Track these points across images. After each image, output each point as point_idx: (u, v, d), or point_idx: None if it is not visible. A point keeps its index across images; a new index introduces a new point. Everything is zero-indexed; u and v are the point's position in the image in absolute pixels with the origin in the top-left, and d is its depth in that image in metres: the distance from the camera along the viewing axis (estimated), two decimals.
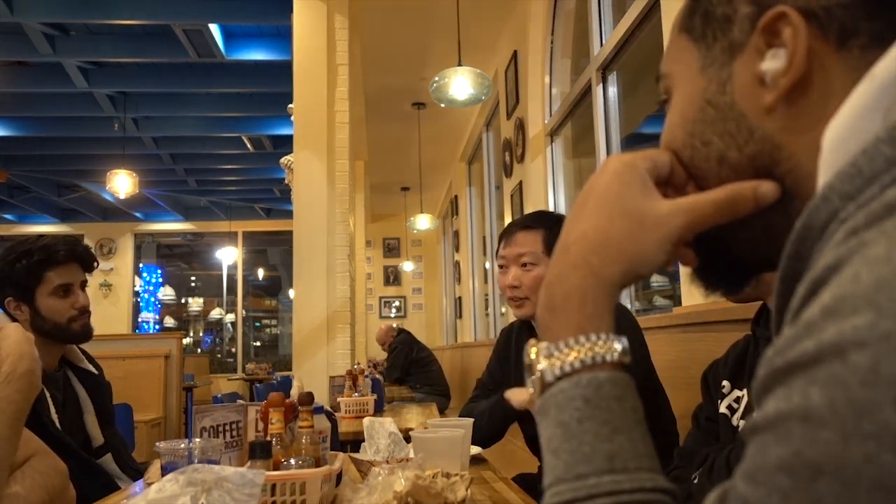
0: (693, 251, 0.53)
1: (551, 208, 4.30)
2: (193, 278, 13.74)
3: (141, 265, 11.71)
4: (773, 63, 0.46)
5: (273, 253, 12.97)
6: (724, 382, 1.20)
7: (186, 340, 12.30)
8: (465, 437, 1.33)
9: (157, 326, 11.90)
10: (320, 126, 3.92)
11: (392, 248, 11.25)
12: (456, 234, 8.94)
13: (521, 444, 2.11)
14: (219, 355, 12.06)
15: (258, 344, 13.05)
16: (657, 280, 4.54)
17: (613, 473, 0.42)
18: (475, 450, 1.67)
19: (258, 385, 6.20)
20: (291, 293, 5.55)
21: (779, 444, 0.30)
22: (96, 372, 1.91)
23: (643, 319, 2.26)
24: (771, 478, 0.30)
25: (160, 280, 12.20)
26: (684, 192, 0.52)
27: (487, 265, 7.32)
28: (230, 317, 11.91)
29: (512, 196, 5.07)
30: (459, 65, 3.90)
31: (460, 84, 3.86)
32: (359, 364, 3.78)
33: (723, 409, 1.18)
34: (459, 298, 8.60)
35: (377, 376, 3.92)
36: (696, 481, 1.11)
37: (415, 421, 2.68)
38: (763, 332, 1.13)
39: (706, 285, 0.55)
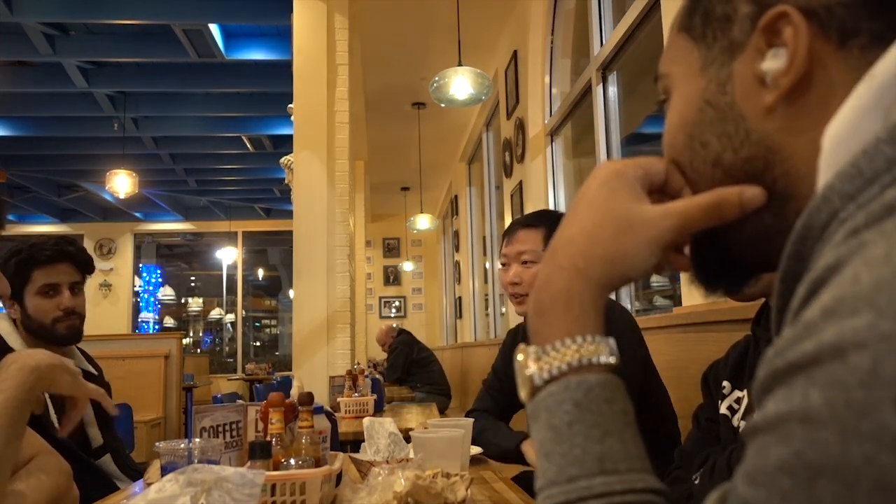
0: (686, 257, 0.53)
1: (552, 208, 4.30)
2: (193, 278, 13.74)
3: (141, 265, 11.71)
4: (773, 63, 0.46)
5: (273, 253, 12.97)
6: (725, 383, 1.20)
7: (186, 340, 12.30)
8: (465, 437, 1.33)
9: (156, 326, 11.90)
10: (320, 126, 3.92)
11: (392, 248, 11.25)
12: (456, 234, 8.94)
13: None
14: (219, 355, 12.06)
15: (258, 344, 13.05)
16: (657, 280, 4.54)
17: (604, 475, 0.42)
18: (475, 450, 1.67)
19: (258, 385, 6.20)
20: (291, 293, 5.55)
21: (779, 445, 0.30)
22: (96, 373, 1.91)
23: (643, 319, 2.26)
24: (771, 479, 0.30)
25: (160, 280, 12.20)
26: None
27: (487, 265, 7.32)
28: (230, 317, 11.91)
29: (512, 196, 5.07)
30: (459, 65, 3.91)
31: (460, 84, 3.86)
32: (359, 364, 3.78)
33: (723, 409, 1.18)
34: (459, 298, 8.60)
35: (377, 376, 3.92)
36: (696, 482, 1.11)
37: (415, 421, 2.68)
38: (763, 333, 1.13)
39: (706, 285, 0.55)
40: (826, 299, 0.31)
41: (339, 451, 1.31)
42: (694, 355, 1.94)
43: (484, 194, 7.06)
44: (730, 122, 0.48)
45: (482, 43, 5.25)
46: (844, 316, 0.29)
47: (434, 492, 0.99)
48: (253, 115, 7.33)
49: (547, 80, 4.50)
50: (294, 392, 1.36)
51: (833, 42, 0.44)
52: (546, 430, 0.45)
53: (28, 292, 1.75)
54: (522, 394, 0.48)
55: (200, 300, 13.17)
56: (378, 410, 2.93)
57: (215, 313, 12.47)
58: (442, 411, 4.66)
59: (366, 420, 1.47)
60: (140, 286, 11.60)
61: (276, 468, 1.04)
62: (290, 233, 4.04)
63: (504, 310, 6.04)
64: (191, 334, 12.87)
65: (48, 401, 1.67)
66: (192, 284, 13.67)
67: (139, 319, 11.44)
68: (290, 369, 4.32)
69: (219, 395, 4.86)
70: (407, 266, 10.79)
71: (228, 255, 11.60)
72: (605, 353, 0.46)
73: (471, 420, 1.49)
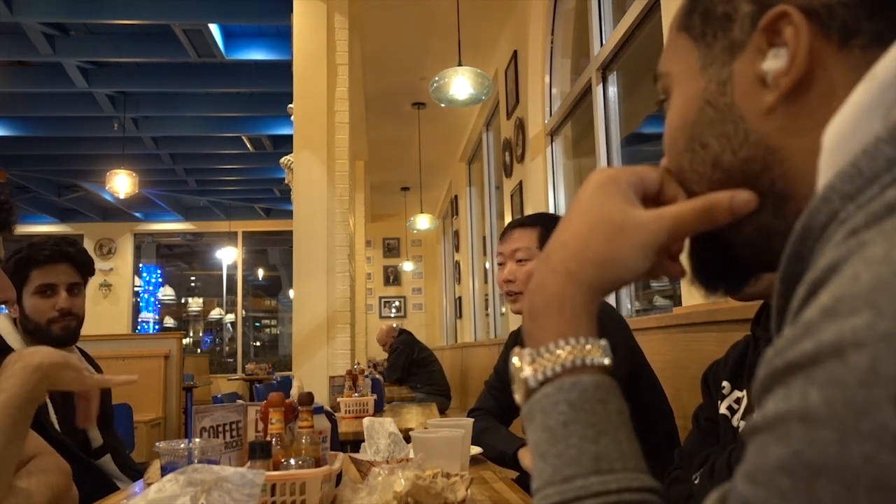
0: (680, 264, 0.53)
1: (551, 208, 4.30)
2: (193, 278, 13.74)
3: (141, 265, 11.70)
4: (774, 63, 0.46)
5: (273, 253, 12.97)
6: (725, 383, 1.20)
7: (186, 340, 12.30)
8: (465, 437, 1.33)
9: (156, 326, 11.89)
10: (320, 126, 3.92)
11: (392, 248, 11.25)
12: (456, 234, 8.94)
13: None
14: (219, 355, 12.06)
15: (258, 344, 13.05)
16: (657, 280, 4.53)
17: (600, 474, 0.42)
18: (475, 450, 1.67)
19: (258, 385, 6.20)
20: (291, 293, 5.55)
21: (778, 445, 0.30)
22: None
23: (643, 319, 2.26)
24: (771, 478, 0.30)
25: (160, 280, 12.20)
26: None
27: (487, 265, 7.32)
28: (230, 317, 11.91)
29: (512, 196, 5.07)
30: (459, 65, 3.90)
31: (460, 84, 3.86)
32: (359, 364, 3.78)
33: (723, 409, 1.18)
34: (459, 298, 8.60)
35: (377, 376, 3.92)
36: (696, 482, 1.11)
37: (415, 421, 2.68)
38: (763, 333, 1.13)
39: (706, 285, 0.55)
40: (825, 299, 0.31)
41: (339, 451, 1.31)
42: (694, 355, 1.94)
43: (484, 194, 7.06)
44: (729, 122, 0.48)
45: (482, 43, 5.25)
46: (844, 315, 0.29)
47: (434, 492, 0.99)
48: (253, 115, 7.33)
49: (547, 80, 4.50)
50: (294, 392, 1.36)
51: (834, 42, 0.44)
52: (541, 432, 0.45)
53: (26, 292, 1.74)
54: (518, 396, 0.48)
55: (200, 300, 13.17)
56: (378, 410, 2.92)
57: (215, 313, 12.47)
58: (442, 411, 4.65)
59: (366, 420, 1.47)
60: (140, 286, 11.60)
61: (276, 468, 1.04)
62: (290, 233, 4.04)
63: (504, 310, 6.04)
64: (191, 334, 12.87)
65: (48, 400, 1.67)
66: (192, 284, 13.67)
67: (139, 319, 11.44)
68: (290, 369, 4.32)
69: (219, 395, 4.86)
70: (407, 266, 10.79)
71: (228, 255, 11.60)
72: (599, 354, 0.47)
73: (471, 420, 1.49)
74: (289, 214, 5.98)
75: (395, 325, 6.73)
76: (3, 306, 1.78)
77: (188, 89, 6.63)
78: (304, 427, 1.11)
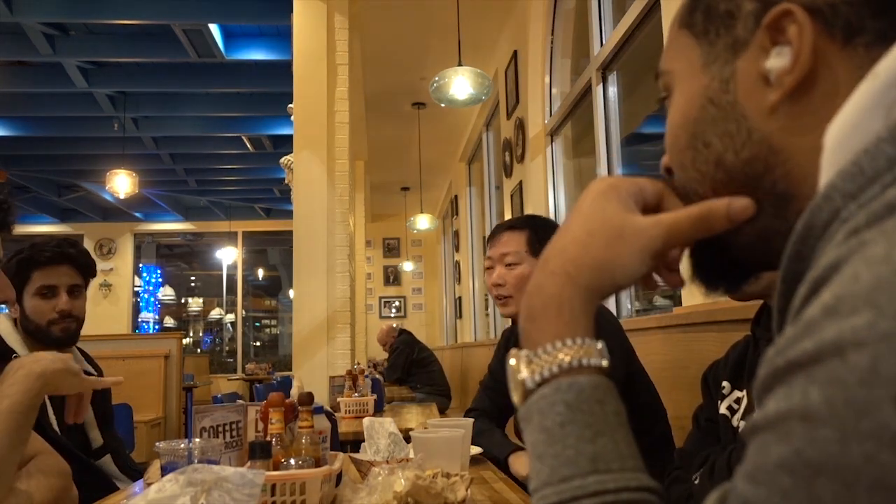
0: (678, 274, 0.54)
1: (551, 208, 4.30)
2: (193, 278, 13.74)
3: (141, 265, 11.70)
4: (777, 61, 0.45)
5: (273, 253, 12.97)
6: (725, 383, 1.20)
7: (186, 340, 12.30)
8: (465, 437, 1.33)
9: (156, 326, 11.89)
10: (320, 126, 3.92)
11: (392, 248, 11.25)
12: (456, 234, 8.93)
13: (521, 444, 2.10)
14: (219, 355, 12.06)
15: (258, 344, 13.05)
16: (655, 290, 4.52)
17: (597, 474, 0.42)
18: (475, 450, 1.67)
19: (258, 385, 6.20)
20: (291, 293, 5.55)
21: (779, 444, 0.30)
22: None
23: (643, 320, 2.26)
24: (771, 477, 0.30)
25: (160, 280, 12.20)
26: None
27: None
28: (230, 317, 11.91)
29: (512, 196, 5.07)
30: (459, 65, 3.90)
31: (460, 84, 3.86)
32: (359, 364, 3.78)
33: (723, 409, 1.18)
34: (459, 298, 8.60)
35: (377, 376, 3.92)
36: (696, 482, 1.11)
37: (415, 421, 2.68)
38: (763, 333, 1.13)
39: (706, 285, 0.55)
40: (826, 298, 0.31)
41: (339, 451, 1.31)
42: (694, 355, 1.94)
43: (484, 194, 7.06)
44: (731, 120, 0.48)
45: (482, 43, 5.25)
46: (844, 315, 0.29)
47: (434, 492, 0.99)
48: (253, 115, 7.33)
49: (547, 80, 4.49)
50: (294, 392, 1.36)
51: (837, 40, 0.44)
52: (538, 433, 0.45)
53: (27, 293, 1.74)
54: (515, 398, 0.48)
55: (200, 300, 13.17)
56: (378, 410, 2.92)
57: (215, 313, 12.47)
58: (442, 412, 4.65)
59: (366, 420, 1.47)
60: (140, 286, 11.60)
61: (276, 468, 1.04)
62: (290, 233, 4.04)
63: None
64: (191, 334, 12.87)
65: (47, 400, 1.67)
66: (192, 284, 13.67)
67: (139, 319, 11.44)
68: (290, 369, 4.32)
69: (219, 395, 4.86)
70: (407, 266, 10.79)
71: (228, 255, 11.60)
72: (596, 355, 0.47)
73: (471, 420, 1.49)
74: (289, 214, 5.98)
75: (395, 325, 6.73)
76: (3, 306, 1.78)
77: (188, 89, 6.63)
78: (304, 427, 1.11)
